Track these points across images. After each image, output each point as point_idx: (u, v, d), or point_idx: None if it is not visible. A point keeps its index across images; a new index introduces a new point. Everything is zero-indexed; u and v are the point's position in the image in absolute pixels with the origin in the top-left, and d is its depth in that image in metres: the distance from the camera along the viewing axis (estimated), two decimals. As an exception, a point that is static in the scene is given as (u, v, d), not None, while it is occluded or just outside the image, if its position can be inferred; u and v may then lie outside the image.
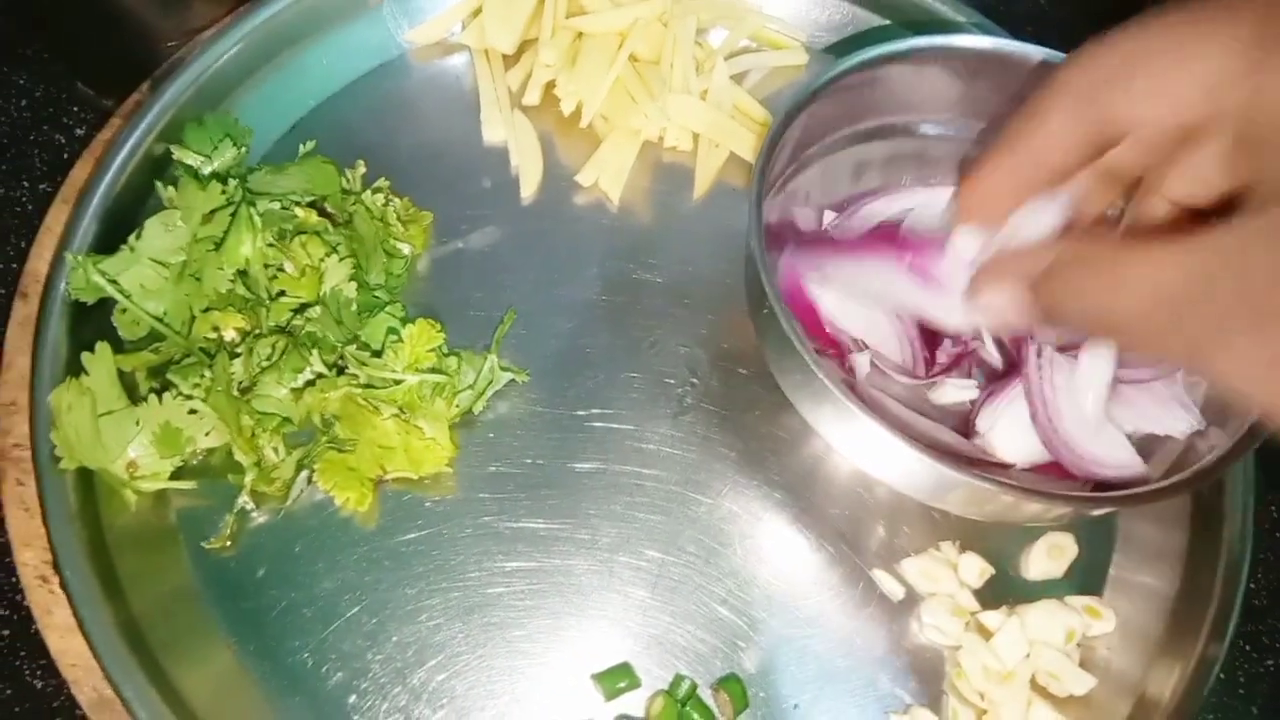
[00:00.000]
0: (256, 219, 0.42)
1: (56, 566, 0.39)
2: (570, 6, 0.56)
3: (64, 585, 0.39)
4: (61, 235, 0.46)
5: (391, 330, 0.44)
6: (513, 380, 0.48)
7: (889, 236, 0.49)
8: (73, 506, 0.40)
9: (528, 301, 0.51)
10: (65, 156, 0.60)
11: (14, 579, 0.45)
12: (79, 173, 0.52)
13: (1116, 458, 0.44)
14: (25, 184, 0.59)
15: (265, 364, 0.43)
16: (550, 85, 0.56)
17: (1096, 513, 0.46)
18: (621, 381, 0.49)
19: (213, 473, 0.44)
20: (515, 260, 0.52)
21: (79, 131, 0.61)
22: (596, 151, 0.54)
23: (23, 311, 0.48)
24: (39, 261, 0.49)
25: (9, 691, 0.44)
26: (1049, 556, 0.47)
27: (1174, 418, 0.44)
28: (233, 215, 0.42)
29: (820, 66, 0.59)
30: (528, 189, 0.54)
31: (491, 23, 0.55)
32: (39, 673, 0.44)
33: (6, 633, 0.45)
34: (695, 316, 0.51)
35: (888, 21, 0.58)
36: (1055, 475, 0.46)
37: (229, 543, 0.43)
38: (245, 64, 0.52)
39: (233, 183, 0.45)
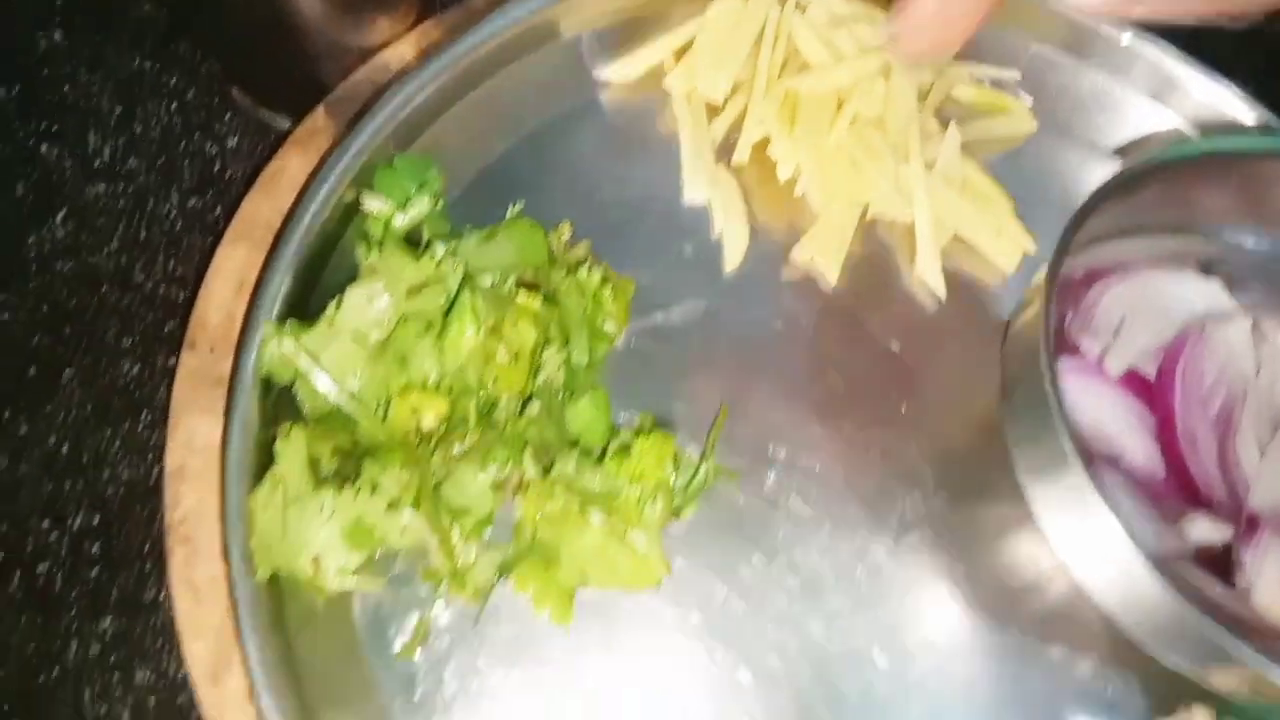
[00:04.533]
0: (481, 309, 0.37)
1: (251, 695, 0.35)
2: (788, 49, 0.51)
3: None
4: (250, 297, 0.42)
5: (615, 436, 0.39)
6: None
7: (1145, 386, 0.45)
8: (268, 620, 0.36)
9: (733, 389, 0.46)
10: (216, 169, 0.56)
11: (166, 647, 0.42)
12: (250, 208, 0.47)
13: None
14: (174, 197, 0.55)
15: (463, 453, 0.39)
16: (761, 142, 0.50)
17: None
18: (838, 490, 0.44)
19: (396, 567, 0.40)
20: (719, 341, 0.47)
21: (231, 143, 0.57)
22: (814, 226, 0.49)
23: (191, 364, 0.44)
24: (209, 307, 0.45)
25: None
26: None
27: None
28: (452, 302, 0.37)
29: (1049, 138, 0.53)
30: (732, 260, 0.49)
31: (703, 67, 0.50)
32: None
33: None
34: (921, 418, 0.46)
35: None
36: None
37: (419, 651, 0.38)
38: (435, 103, 0.48)
39: (441, 249, 0.40)
